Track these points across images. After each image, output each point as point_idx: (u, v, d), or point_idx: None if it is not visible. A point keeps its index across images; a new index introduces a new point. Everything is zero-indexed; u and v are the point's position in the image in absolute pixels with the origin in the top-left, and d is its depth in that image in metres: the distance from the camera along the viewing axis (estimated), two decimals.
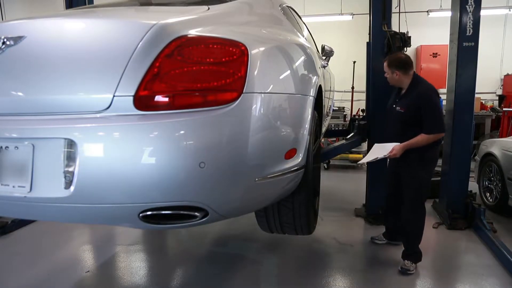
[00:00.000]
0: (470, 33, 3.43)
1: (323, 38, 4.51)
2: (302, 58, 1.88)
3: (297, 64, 1.78)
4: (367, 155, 2.69)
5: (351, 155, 6.46)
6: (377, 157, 2.56)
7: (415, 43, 6.65)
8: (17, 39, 1.36)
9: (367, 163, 2.93)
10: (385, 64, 2.75)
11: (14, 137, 1.35)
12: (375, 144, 2.80)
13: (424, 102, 2.54)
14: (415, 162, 2.65)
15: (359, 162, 2.84)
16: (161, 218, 1.32)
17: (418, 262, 2.73)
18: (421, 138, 2.53)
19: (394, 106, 2.73)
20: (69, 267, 2.88)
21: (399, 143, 2.56)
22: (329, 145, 5.07)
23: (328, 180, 5.65)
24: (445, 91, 3.80)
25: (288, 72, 1.65)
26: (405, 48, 3.50)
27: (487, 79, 7.96)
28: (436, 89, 2.62)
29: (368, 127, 3.78)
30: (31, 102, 1.35)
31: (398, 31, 3.59)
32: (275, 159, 1.49)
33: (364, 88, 4.16)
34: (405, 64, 2.66)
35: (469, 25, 3.42)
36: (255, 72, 1.37)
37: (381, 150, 2.60)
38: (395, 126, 2.71)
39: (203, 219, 1.35)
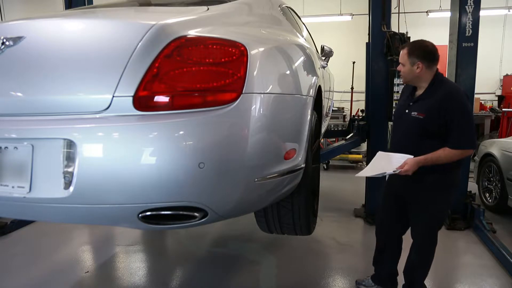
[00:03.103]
0: (470, 34, 3.43)
1: (322, 39, 4.51)
2: (302, 58, 1.88)
3: (296, 64, 1.78)
4: (369, 166, 2.13)
5: (350, 156, 6.47)
6: (385, 173, 1.99)
7: None
8: (17, 40, 1.36)
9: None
10: (403, 52, 2.08)
11: (13, 137, 1.34)
12: (379, 153, 2.16)
13: (453, 107, 1.93)
14: (435, 188, 2.05)
15: (358, 175, 2.10)
16: (160, 219, 1.32)
17: None
18: (443, 154, 1.94)
19: (407, 111, 2.10)
20: (69, 267, 2.88)
21: (412, 156, 1.96)
22: (328, 146, 5.08)
23: (328, 181, 5.65)
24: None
25: (288, 72, 1.66)
26: None
27: (487, 80, 7.98)
28: (464, 90, 2.06)
29: (368, 128, 3.79)
30: (31, 103, 1.35)
31: (397, 31, 3.59)
32: (275, 159, 1.49)
33: (363, 88, 4.17)
34: (432, 55, 2.04)
35: (469, 26, 3.42)
36: (255, 73, 1.36)
37: (388, 162, 2.04)
38: (408, 136, 2.08)
39: (203, 220, 1.34)
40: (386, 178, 2.22)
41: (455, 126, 1.94)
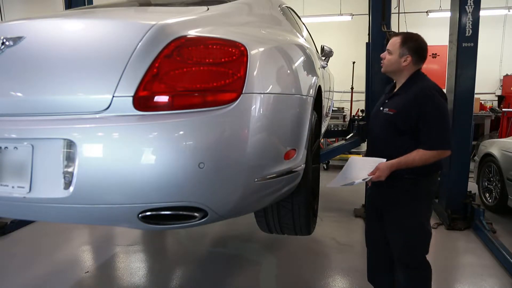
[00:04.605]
0: (470, 34, 3.43)
1: (322, 39, 4.51)
2: (302, 58, 1.88)
3: (296, 64, 1.77)
4: (341, 173, 1.91)
5: (350, 156, 6.46)
6: (353, 182, 1.79)
7: None
8: (17, 40, 1.36)
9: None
10: (396, 40, 1.91)
11: (13, 137, 1.34)
12: (352, 158, 1.96)
13: (424, 103, 1.77)
14: (407, 198, 1.86)
15: (328, 185, 1.93)
16: (160, 219, 1.32)
17: None
18: (418, 156, 1.75)
19: (381, 108, 1.97)
20: (69, 267, 2.88)
21: (384, 160, 1.77)
22: (328, 146, 5.08)
23: (328, 181, 5.63)
24: (445, 92, 3.80)
25: (288, 72, 1.65)
26: None
27: (487, 80, 7.97)
28: (441, 89, 1.90)
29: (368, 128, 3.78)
30: (31, 103, 1.35)
31: (397, 31, 3.59)
32: (275, 159, 1.49)
33: (363, 88, 4.17)
34: (424, 52, 1.91)
35: (469, 26, 3.42)
36: (255, 73, 1.36)
37: (360, 168, 1.85)
38: (380, 135, 1.95)
39: (203, 220, 1.34)
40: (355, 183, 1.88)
41: (429, 124, 1.77)
